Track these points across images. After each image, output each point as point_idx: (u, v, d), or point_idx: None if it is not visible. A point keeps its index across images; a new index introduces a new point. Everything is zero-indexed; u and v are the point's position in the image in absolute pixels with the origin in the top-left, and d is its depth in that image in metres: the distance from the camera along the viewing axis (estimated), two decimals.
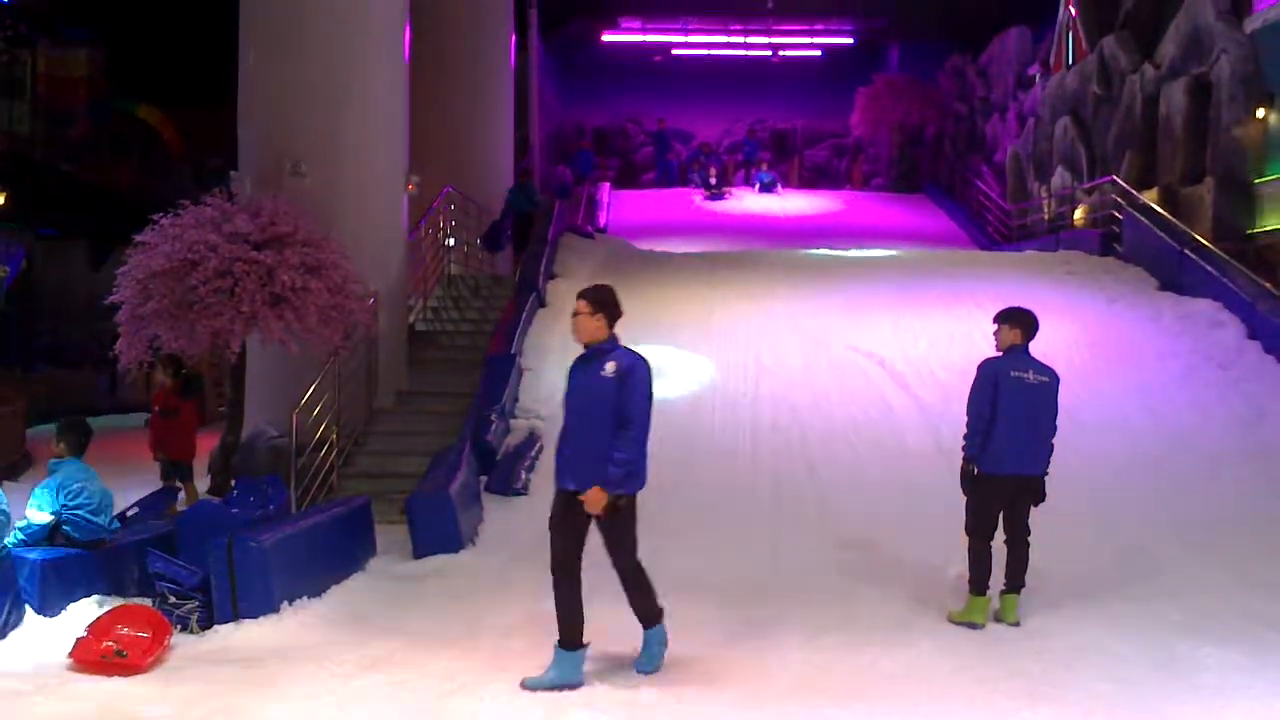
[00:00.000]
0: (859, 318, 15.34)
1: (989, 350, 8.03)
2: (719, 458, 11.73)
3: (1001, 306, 8.11)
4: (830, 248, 21.88)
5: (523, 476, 11.22)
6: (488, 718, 5.95)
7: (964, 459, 7.73)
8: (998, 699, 6.22)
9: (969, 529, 7.76)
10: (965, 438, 7.73)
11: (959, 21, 30.83)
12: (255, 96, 12.78)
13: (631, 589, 6.57)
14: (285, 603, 7.83)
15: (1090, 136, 21.95)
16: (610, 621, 6.83)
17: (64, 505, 7.90)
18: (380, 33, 13.07)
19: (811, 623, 7.65)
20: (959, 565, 7.98)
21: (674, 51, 36.33)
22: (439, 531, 9.55)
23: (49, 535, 7.90)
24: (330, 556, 8.78)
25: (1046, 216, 23.42)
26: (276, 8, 12.66)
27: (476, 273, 18.14)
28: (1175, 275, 16.14)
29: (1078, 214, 21.40)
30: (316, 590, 8.27)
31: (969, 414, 7.71)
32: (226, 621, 7.55)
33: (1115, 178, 19.48)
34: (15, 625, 7.31)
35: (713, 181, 30.39)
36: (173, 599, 7.61)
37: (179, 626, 7.43)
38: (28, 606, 7.46)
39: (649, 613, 6.61)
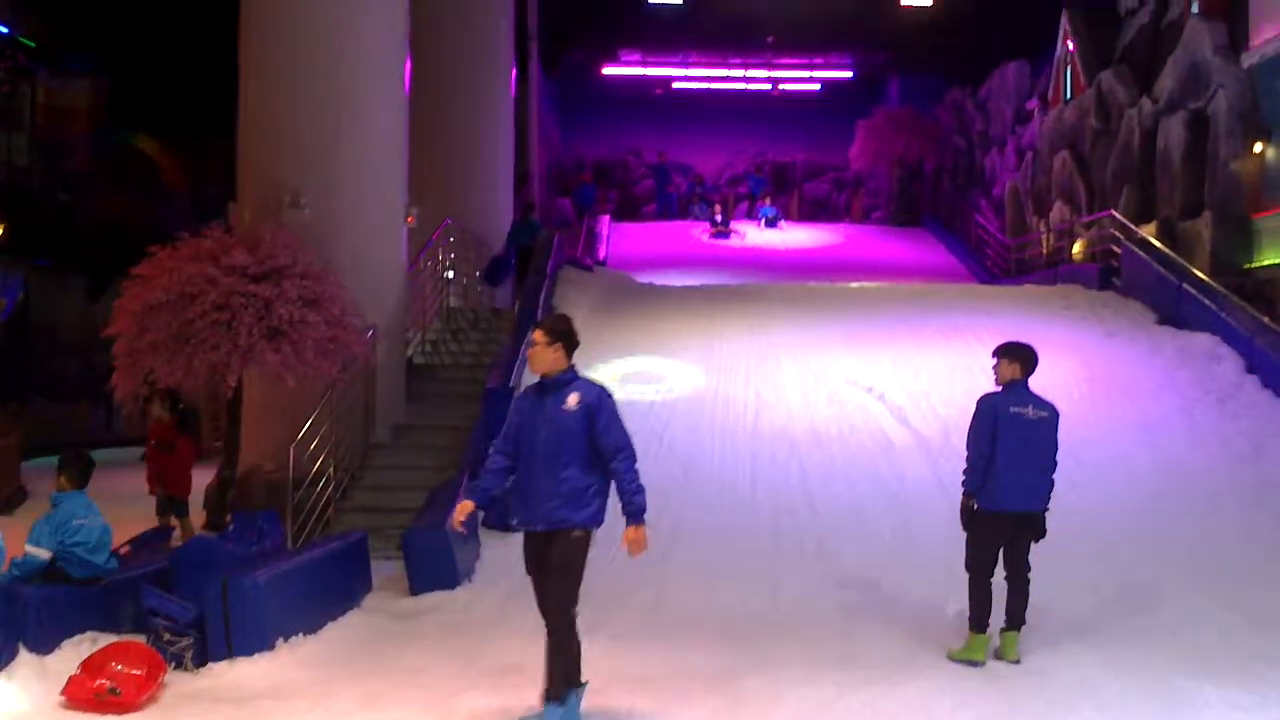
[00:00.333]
0: (859, 351, 15.33)
1: (988, 385, 8.00)
2: (718, 492, 11.69)
3: (1001, 340, 8.09)
4: (830, 281, 21.90)
5: None
6: None
7: (964, 495, 7.69)
8: None
9: (969, 565, 7.71)
10: (965, 473, 7.69)
11: (958, 56, 31.00)
12: (254, 128, 12.80)
13: (561, 641, 6.07)
14: (280, 639, 7.77)
15: (1088, 170, 22.03)
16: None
17: (61, 542, 7.85)
18: (380, 65, 13.10)
19: (811, 660, 7.60)
20: (959, 602, 7.93)
21: (674, 85, 36.53)
22: (436, 567, 9.49)
23: (45, 571, 7.84)
24: (326, 593, 8.72)
25: (1045, 250, 23.47)
26: (276, 40, 12.69)
27: (475, 306, 18.13)
28: (1174, 309, 16.15)
29: (1076, 248, 21.45)
30: (312, 627, 8.21)
31: (968, 449, 7.68)
32: (221, 659, 7.49)
33: (1114, 212, 19.54)
34: (8, 662, 7.23)
35: (718, 219, 29.96)
36: (167, 635, 7.55)
37: (173, 664, 7.37)
38: (20, 643, 7.39)
39: (570, 675, 6.10)
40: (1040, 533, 7.72)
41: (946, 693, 6.95)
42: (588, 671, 6.40)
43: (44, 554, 7.80)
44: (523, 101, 25.92)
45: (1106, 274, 18.60)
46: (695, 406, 13.78)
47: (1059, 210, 23.01)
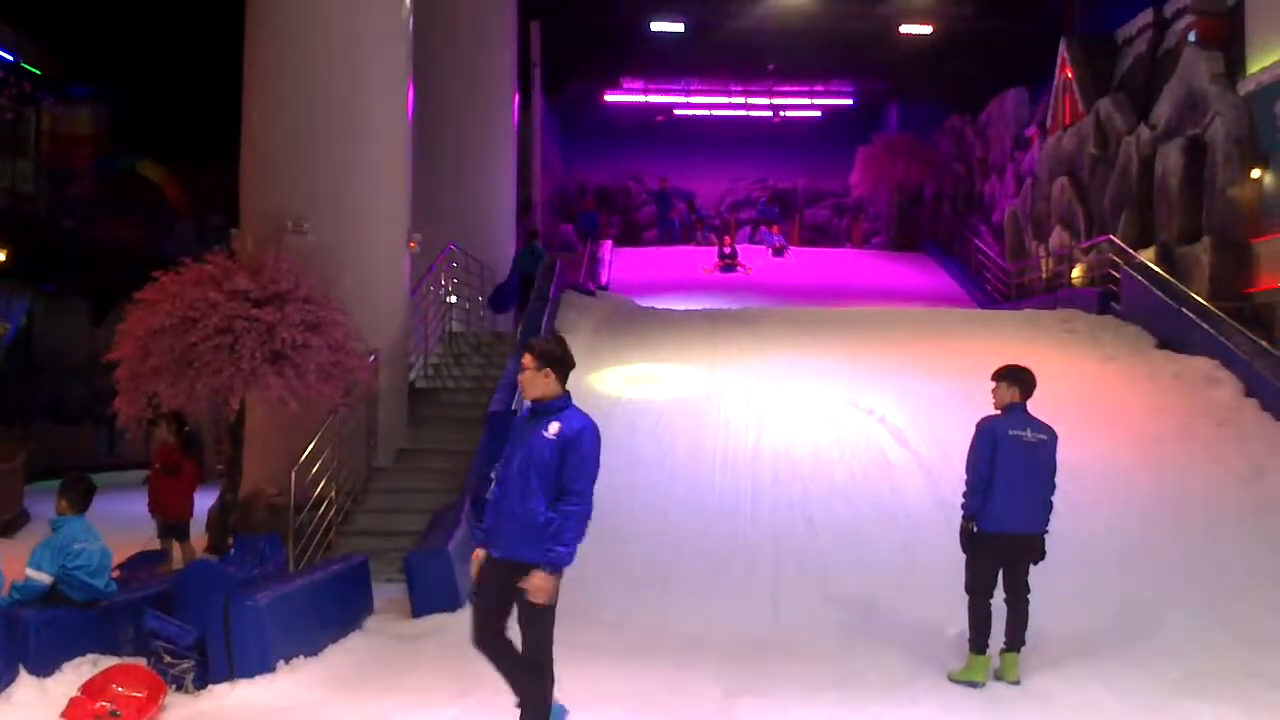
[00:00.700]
0: (860, 375, 15.36)
1: (989, 408, 8.04)
2: (720, 514, 11.70)
3: (1001, 364, 8.13)
4: (831, 306, 21.96)
5: None
6: None
7: (963, 517, 7.74)
8: None
9: (969, 587, 7.75)
10: (964, 496, 7.73)
11: (957, 83, 31.18)
12: (257, 153, 12.88)
13: (529, 675, 5.81)
14: (281, 662, 7.79)
15: (1087, 196, 22.10)
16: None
17: (63, 566, 7.86)
18: (383, 91, 13.20)
19: (811, 681, 7.63)
20: (959, 624, 7.96)
21: (676, 112, 36.72)
22: (438, 589, 9.51)
23: (45, 594, 7.86)
24: (327, 615, 8.73)
25: (1044, 275, 23.53)
26: (279, 65, 12.78)
27: (478, 330, 18.20)
28: (1173, 333, 16.20)
29: (1075, 273, 21.51)
30: (313, 649, 8.23)
31: (968, 472, 7.72)
32: (222, 681, 7.50)
33: (1112, 237, 19.61)
34: (8, 684, 7.25)
35: (726, 251, 28.53)
36: (168, 658, 7.56)
37: (174, 686, 7.38)
38: (21, 666, 7.41)
39: (540, 712, 5.82)
40: (1040, 555, 7.76)
41: (947, 714, 6.98)
42: (590, 692, 6.42)
43: (45, 578, 7.81)
44: (525, 128, 26.08)
45: (1105, 298, 18.66)
46: (697, 428, 13.81)
47: (1058, 235, 23.09)
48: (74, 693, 6.81)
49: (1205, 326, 15.52)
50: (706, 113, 36.91)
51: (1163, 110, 19.55)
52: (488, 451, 12.36)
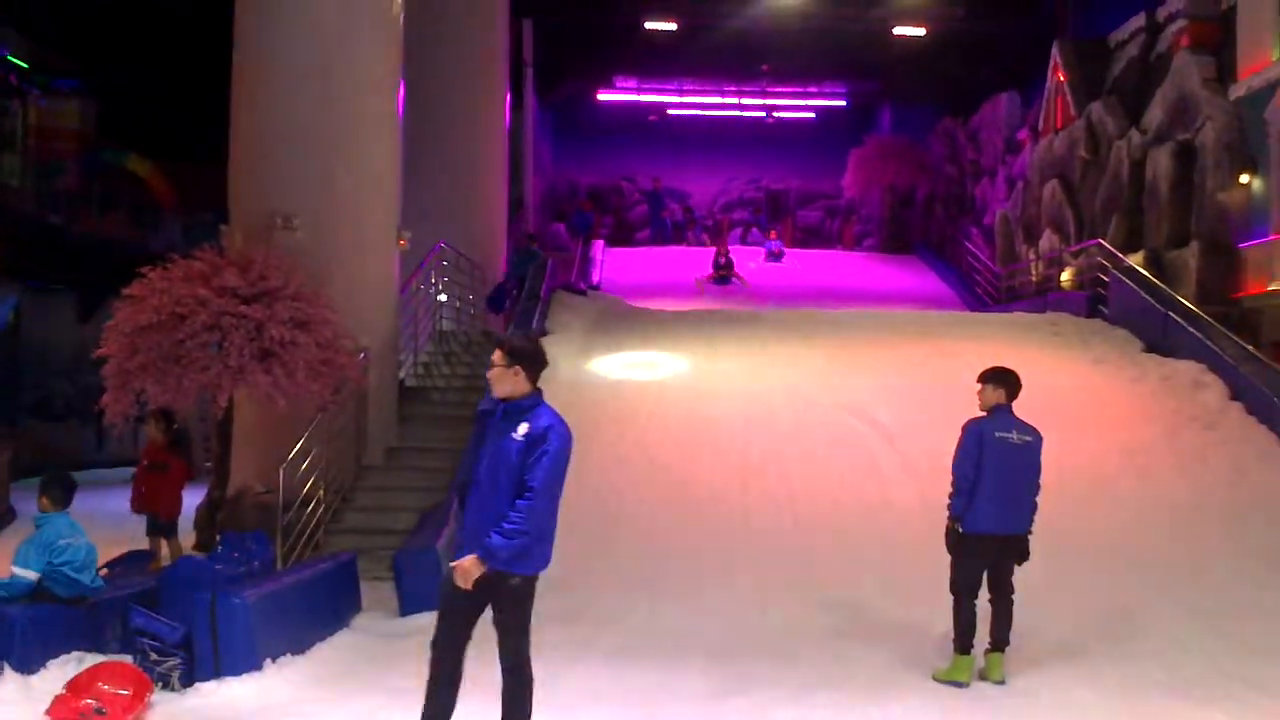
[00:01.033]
0: (849, 376, 15.39)
1: (976, 410, 8.06)
2: (709, 515, 11.72)
3: (990, 366, 8.16)
4: (822, 307, 22.00)
5: None
6: None
7: (949, 518, 7.76)
8: None
9: (953, 587, 7.78)
10: (950, 497, 7.76)
11: (950, 86, 31.25)
12: (246, 150, 12.83)
13: (514, 693, 5.71)
14: (268, 660, 7.78)
15: (1078, 200, 22.17)
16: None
17: (49, 563, 7.85)
18: (374, 88, 13.17)
19: (798, 681, 7.65)
20: (945, 624, 7.99)
21: (669, 112, 36.73)
22: (426, 588, 9.45)
23: (31, 591, 7.85)
24: (315, 613, 8.73)
25: (1034, 278, 23.60)
26: (269, 61, 12.75)
27: (468, 329, 18.19)
28: (1160, 337, 16.26)
29: (1065, 276, 21.57)
30: (301, 647, 8.22)
31: (954, 473, 7.76)
32: (208, 679, 7.49)
33: (1102, 241, 19.67)
34: None
35: (721, 261, 26.76)
36: (154, 655, 7.54)
37: (160, 684, 7.37)
38: (6, 663, 7.39)
39: None
40: (1024, 555, 7.81)
41: (931, 713, 7.00)
42: (579, 691, 6.44)
43: (31, 575, 7.80)
44: (517, 127, 26.07)
45: (1094, 302, 18.72)
46: (687, 429, 13.82)
47: (1048, 239, 23.16)
48: (59, 690, 6.79)
49: (1193, 331, 15.58)
50: (700, 113, 36.95)
51: (1154, 114, 19.62)
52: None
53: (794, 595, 9.75)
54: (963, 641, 7.67)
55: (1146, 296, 17.06)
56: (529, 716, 5.74)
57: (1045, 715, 6.96)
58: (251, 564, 8.88)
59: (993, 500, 7.60)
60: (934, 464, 12.01)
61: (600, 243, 30.60)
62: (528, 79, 28.33)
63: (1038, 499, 7.83)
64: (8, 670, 7.35)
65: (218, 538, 11.07)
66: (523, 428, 5.53)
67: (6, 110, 24.50)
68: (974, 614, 7.68)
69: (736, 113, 36.98)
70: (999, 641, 7.72)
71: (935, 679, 7.69)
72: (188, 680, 7.51)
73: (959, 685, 7.55)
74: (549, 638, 8.50)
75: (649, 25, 30.15)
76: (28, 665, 7.44)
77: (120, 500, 12.45)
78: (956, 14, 29.01)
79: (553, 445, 5.49)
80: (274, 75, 12.68)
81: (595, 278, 26.54)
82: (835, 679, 7.70)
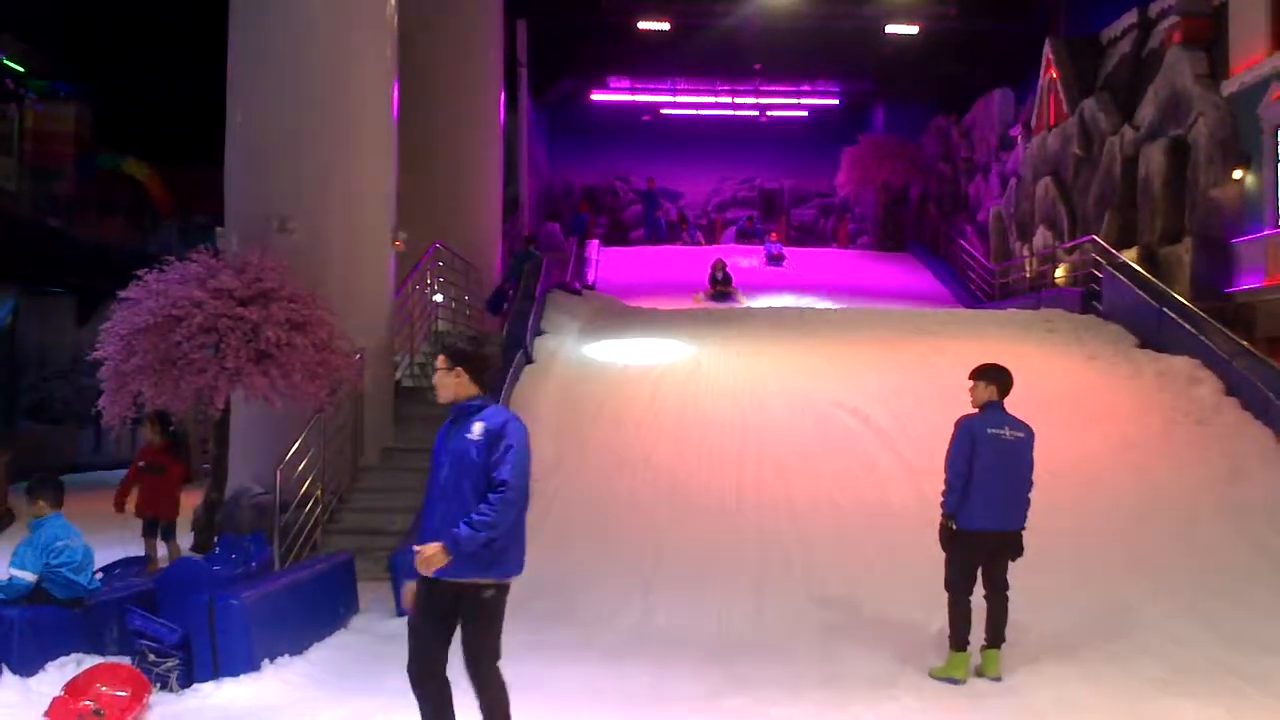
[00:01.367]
0: (844, 375, 15.42)
1: (972, 407, 8.08)
2: (705, 514, 11.74)
3: (984, 363, 8.18)
4: (816, 306, 22.03)
5: None
6: None
7: (942, 515, 7.79)
8: None
9: (948, 584, 7.80)
10: (944, 494, 7.79)
11: (943, 84, 31.30)
12: (242, 153, 12.86)
13: (491, 705, 5.61)
14: (266, 660, 7.80)
15: (1071, 197, 22.22)
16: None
17: (47, 564, 7.87)
18: (368, 90, 13.20)
19: (794, 679, 7.67)
20: (941, 621, 8.00)
21: (663, 111, 36.75)
22: None
23: (29, 593, 7.86)
24: (312, 614, 8.74)
25: (1028, 275, 23.65)
26: (264, 63, 12.77)
27: (464, 329, 18.21)
28: (1154, 333, 16.31)
29: (1059, 273, 21.62)
30: (298, 648, 8.24)
31: (947, 471, 7.78)
32: (207, 680, 7.51)
33: (1095, 237, 19.72)
34: None
35: (719, 277, 25.43)
36: (152, 657, 7.56)
37: (158, 685, 7.39)
38: (4, 665, 7.41)
39: None
40: (1018, 551, 7.83)
41: (928, 710, 7.02)
42: (575, 690, 6.45)
43: (30, 577, 7.82)
44: (512, 128, 26.07)
45: (1088, 298, 18.77)
46: (682, 428, 13.85)
47: (1042, 235, 23.20)
48: (58, 692, 6.80)
49: (1186, 326, 15.62)
50: (693, 112, 36.96)
51: (1146, 111, 19.67)
52: None
53: (789, 593, 9.77)
54: (958, 638, 7.69)
55: (1140, 292, 17.11)
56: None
57: (1041, 712, 6.97)
58: (249, 565, 8.91)
59: (986, 497, 7.62)
60: (930, 461, 12.01)
61: (595, 243, 30.62)
62: (522, 79, 28.34)
63: (1030, 495, 7.85)
64: (6, 672, 7.38)
65: (215, 539, 11.09)
66: (478, 426, 5.46)
67: (3, 114, 24.52)
68: (969, 610, 7.70)
69: (730, 112, 37.01)
70: (995, 638, 7.75)
71: (932, 676, 7.71)
72: (186, 681, 7.53)
73: (955, 682, 7.58)
74: (547, 637, 8.56)
75: (642, 25, 30.16)
76: (26, 667, 7.46)
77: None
78: (949, 12, 29.05)
79: (515, 439, 5.43)
80: (269, 78, 12.71)
81: (590, 278, 26.56)
82: (831, 677, 7.72)
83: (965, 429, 7.80)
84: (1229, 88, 17.83)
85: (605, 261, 29.14)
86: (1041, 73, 23.91)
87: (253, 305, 10.82)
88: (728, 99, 36.62)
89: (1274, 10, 17.15)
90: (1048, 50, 23.64)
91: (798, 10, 29.00)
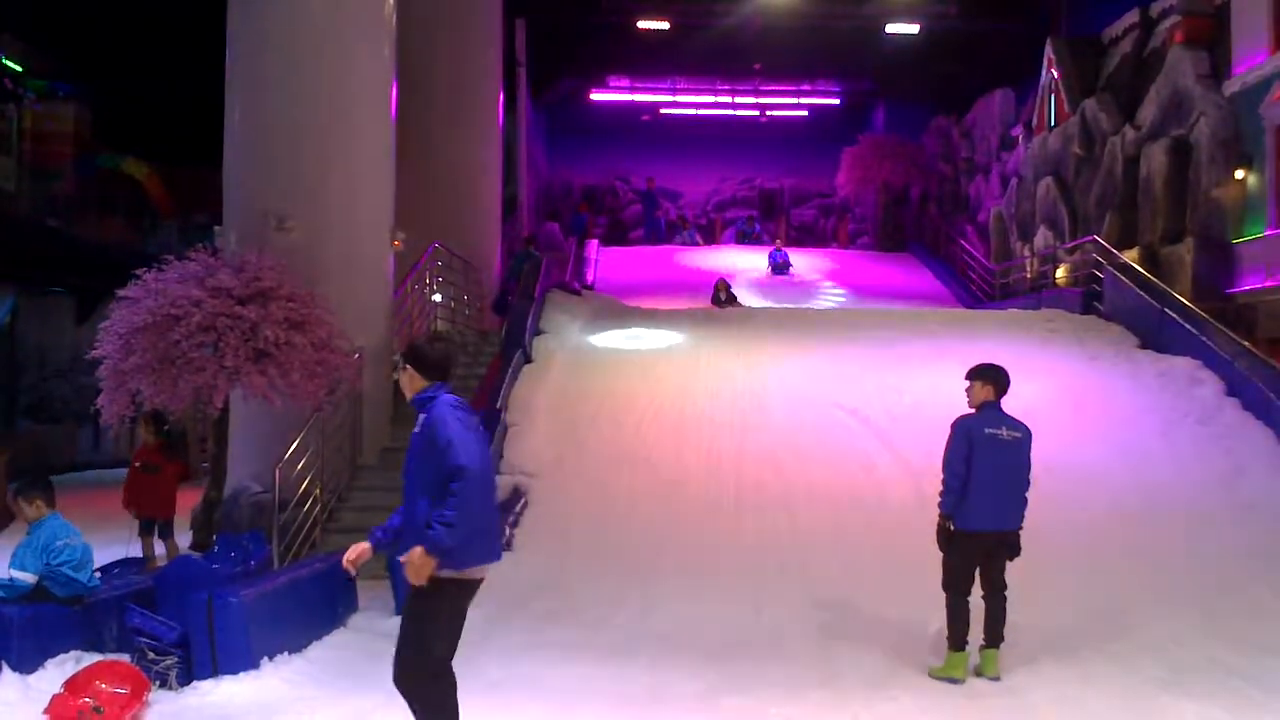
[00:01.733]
0: (844, 375, 15.40)
1: (969, 407, 8.07)
2: (703, 514, 11.74)
3: (981, 363, 8.17)
4: (816, 305, 22.01)
5: (507, 532, 11.21)
6: None
7: (940, 516, 7.77)
8: None
9: (946, 585, 7.79)
10: (941, 495, 7.77)
11: (944, 83, 31.27)
12: (241, 152, 12.86)
13: (422, 703, 5.61)
14: (265, 658, 7.79)
15: (1072, 197, 22.20)
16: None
17: (47, 564, 7.86)
18: (366, 89, 13.20)
19: (793, 679, 7.65)
20: (939, 621, 7.99)
21: (662, 111, 36.73)
22: None
23: (29, 592, 7.86)
24: (311, 612, 8.74)
25: (1029, 275, 23.62)
26: (263, 64, 12.77)
27: (463, 328, 18.20)
28: (1155, 333, 16.29)
29: (1060, 273, 21.60)
30: (297, 646, 8.23)
31: (944, 471, 7.77)
32: (206, 677, 7.51)
33: (1096, 237, 19.70)
34: None
35: (723, 297, 23.98)
36: (151, 655, 7.56)
37: (158, 683, 7.38)
38: (4, 662, 7.41)
39: None
40: (1016, 551, 7.81)
41: (927, 710, 7.01)
42: (573, 690, 6.43)
43: (30, 578, 7.83)
44: (511, 128, 26.07)
45: (1089, 299, 18.74)
46: (681, 428, 13.84)
47: (1043, 236, 23.18)
48: (57, 689, 6.79)
49: (1188, 326, 15.60)
50: (693, 112, 36.93)
51: (1148, 111, 19.65)
52: None
53: (788, 593, 9.76)
54: (957, 638, 7.68)
55: (1141, 293, 17.09)
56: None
57: (1041, 712, 6.96)
58: (248, 563, 8.89)
59: (984, 497, 7.61)
60: (929, 461, 12.00)
61: (595, 242, 30.58)
62: (521, 79, 28.31)
63: (1028, 495, 7.84)
64: (6, 670, 7.38)
65: (214, 538, 11.09)
66: (420, 419, 5.59)
67: (2, 114, 24.52)
68: (967, 610, 7.69)
69: (730, 112, 36.97)
70: (993, 638, 7.74)
71: (931, 676, 7.70)
72: (185, 679, 7.52)
73: (954, 682, 7.57)
74: (544, 637, 8.56)
75: (641, 24, 30.15)
76: (26, 665, 7.47)
77: (114, 501, 12.47)
78: (949, 11, 29.05)
79: (448, 421, 5.40)
80: (267, 77, 12.71)
81: (590, 278, 26.53)
82: (830, 676, 7.71)
83: (962, 429, 7.78)
84: (1231, 88, 17.82)
85: (605, 261, 29.11)
86: (1043, 72, 23.89)
87: (251, 304, 10.82)
88: (727, 99, 36.60)
89: (1276, 10, 17.14)
90: (1049, 50, 23.62)
91: (798, 10, 28.99)
